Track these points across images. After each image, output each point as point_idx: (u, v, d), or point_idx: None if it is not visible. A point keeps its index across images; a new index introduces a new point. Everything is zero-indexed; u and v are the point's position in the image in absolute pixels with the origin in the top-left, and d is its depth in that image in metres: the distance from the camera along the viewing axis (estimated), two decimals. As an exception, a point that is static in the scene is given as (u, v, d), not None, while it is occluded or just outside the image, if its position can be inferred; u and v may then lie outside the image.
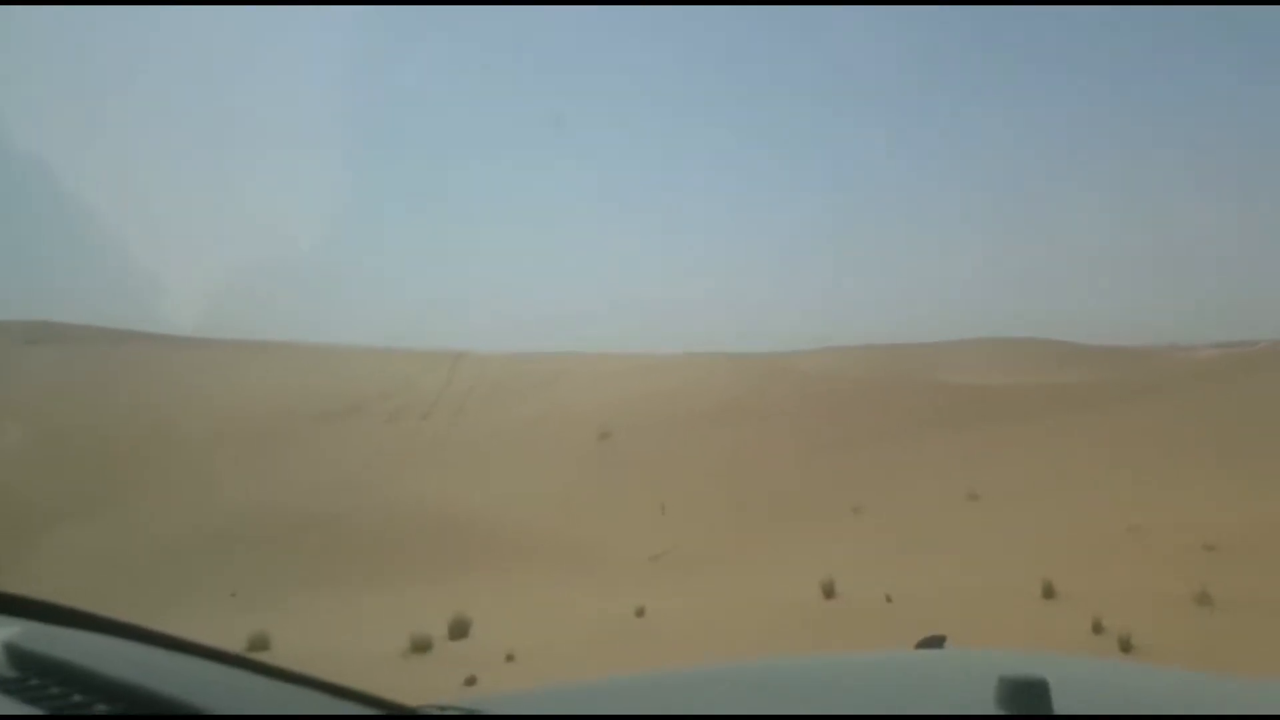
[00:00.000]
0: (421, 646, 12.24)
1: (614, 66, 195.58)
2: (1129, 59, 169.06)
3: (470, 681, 9.90)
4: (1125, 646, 9.99)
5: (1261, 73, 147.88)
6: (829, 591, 14.11)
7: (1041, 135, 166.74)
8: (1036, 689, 1.38)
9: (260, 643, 12.39)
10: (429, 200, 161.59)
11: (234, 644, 10.90)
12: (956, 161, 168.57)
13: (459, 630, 13.14)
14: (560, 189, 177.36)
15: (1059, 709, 1.36)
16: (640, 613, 14.00)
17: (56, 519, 26.15)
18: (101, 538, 24.75)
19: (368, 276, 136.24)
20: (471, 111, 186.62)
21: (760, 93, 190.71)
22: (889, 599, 13.24)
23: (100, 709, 0.93)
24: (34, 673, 1.06)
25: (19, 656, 1.12)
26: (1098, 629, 10.63)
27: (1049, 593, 12.83)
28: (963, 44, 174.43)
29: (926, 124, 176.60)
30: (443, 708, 1.24)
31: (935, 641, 2.34)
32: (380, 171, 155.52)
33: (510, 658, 11.36)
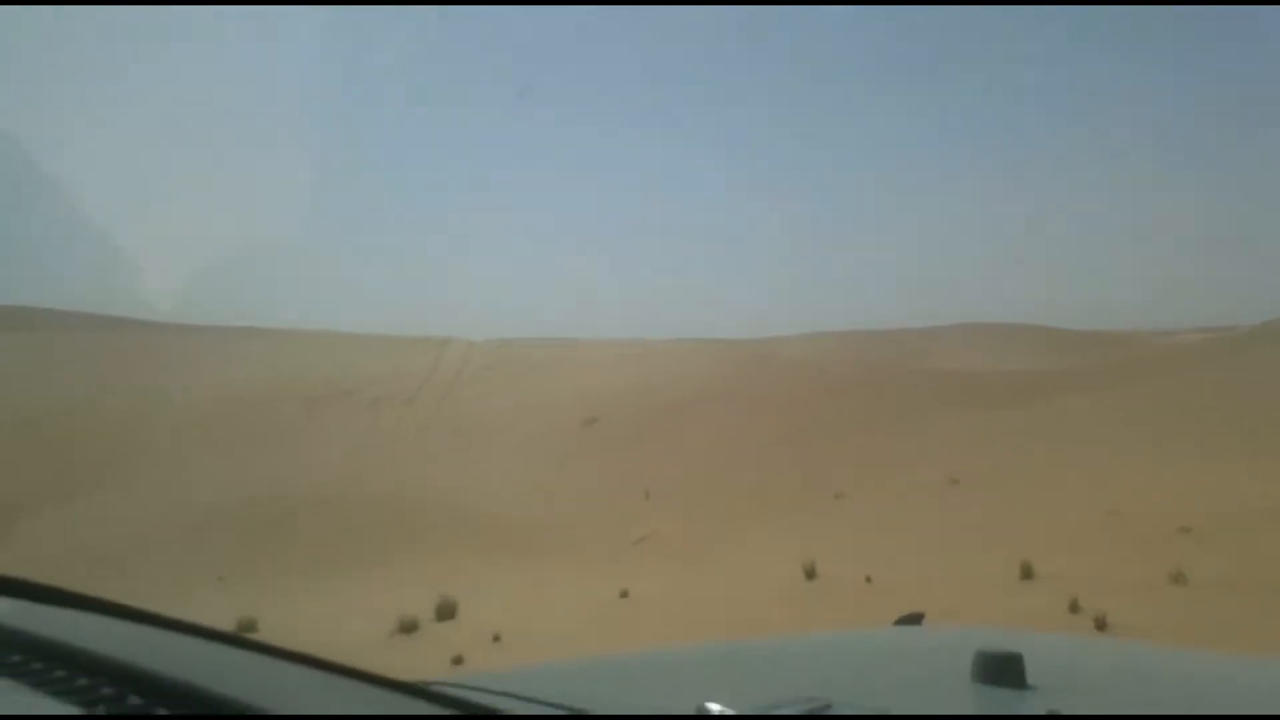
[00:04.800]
0: (408, 628, 12.34)
1: (604, 55, 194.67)
2: (1104, 50, 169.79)
3: (457, 661, 10.01)
4: (1100, 625, 10.17)
5: (1231, 62, 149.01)
6: (810, 573, 14.27)
7: (1026, 124, 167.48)
8: (1011, 662, 1.46)
9: (248, 626, 12.43)
10: (415, 187, 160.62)
11: (221, 627, 10.92)
12: (943, 150, 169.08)
13: (446, 612, 13.22)
14: (547, 178, 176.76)
15: (1032, 682, 1.45)
16: (624, 594, 14.12)
17: (34, 506, 25.99)
18: (82, 525, 24.64)
19: (352, 262, 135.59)
20: (454, 99, 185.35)
21: (748, 84, 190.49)
22: (869, 580, 13.42)
23: (105, 692, 0.86)
24: (16, 649, 0.99)
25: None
26: (1074, 609, 10.81)
27: (1027, 574, 13.02)
28: (948, 37, 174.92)
29: (911, 113, 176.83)
30: (443, 683, 1.20)
31: (914, 619, 2.40)
32: (364, 156, 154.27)
33: (497, 638, 11.46)
